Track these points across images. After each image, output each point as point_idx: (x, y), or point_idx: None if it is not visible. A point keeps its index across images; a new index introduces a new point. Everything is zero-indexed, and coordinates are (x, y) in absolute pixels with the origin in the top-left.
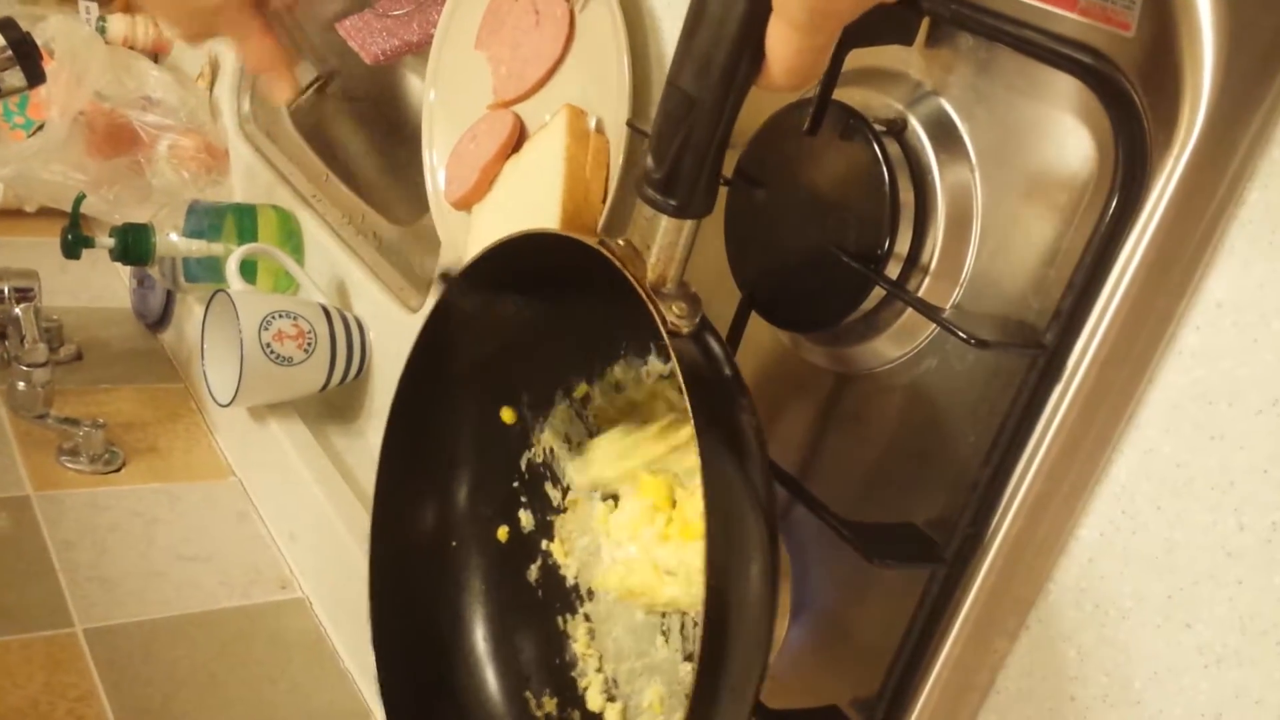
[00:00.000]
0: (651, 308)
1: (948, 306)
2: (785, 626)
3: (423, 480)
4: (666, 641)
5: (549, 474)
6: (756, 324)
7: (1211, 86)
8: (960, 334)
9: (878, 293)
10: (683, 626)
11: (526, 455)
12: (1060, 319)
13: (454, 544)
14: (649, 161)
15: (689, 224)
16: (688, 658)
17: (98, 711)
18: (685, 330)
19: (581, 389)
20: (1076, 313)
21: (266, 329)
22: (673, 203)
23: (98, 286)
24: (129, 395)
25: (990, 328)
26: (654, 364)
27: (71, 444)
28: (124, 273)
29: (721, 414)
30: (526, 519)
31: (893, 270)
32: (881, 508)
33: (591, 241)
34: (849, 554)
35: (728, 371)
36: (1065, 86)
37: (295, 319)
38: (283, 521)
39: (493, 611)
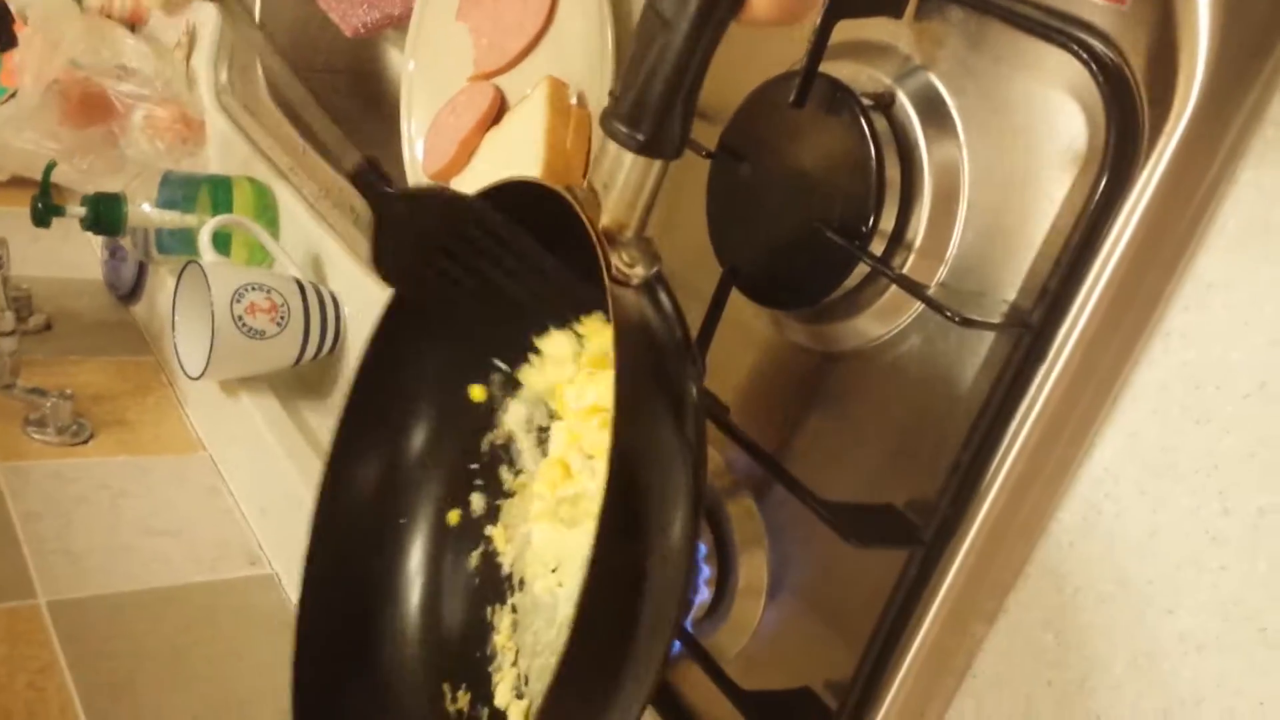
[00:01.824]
0: (598, 249)
1: (932, 284)
2: (761, 607)
3: (378, 450)
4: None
5: (506, 457)
6: (738, 302)
7: (1206, 63)
8: (945, 312)
9: (861, 270)
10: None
11: (489, 436)
12: (1046, 298)
13: (402, 520)
14: (616, 89)
15: (655, 166)
16: None
17: (58, 684)
18: (633, 280)
19: (538, 336)
20: (1063, 292)
21: (239, 301)
22: (638, 136)
23: (69, 257)
24: (99, 367)
25: (975, 306)
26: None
27: (39, 415)
28: (96, 243)
29: (658, 369)
30: (478, 503)
31: (877, 247)
32: (862, 488)
33: (555, 185)
34: (827, 535)
35: (677, 333)
36: (1057, 62)
37: (268, 292)
38: (253, 497)
39: (429, 594)
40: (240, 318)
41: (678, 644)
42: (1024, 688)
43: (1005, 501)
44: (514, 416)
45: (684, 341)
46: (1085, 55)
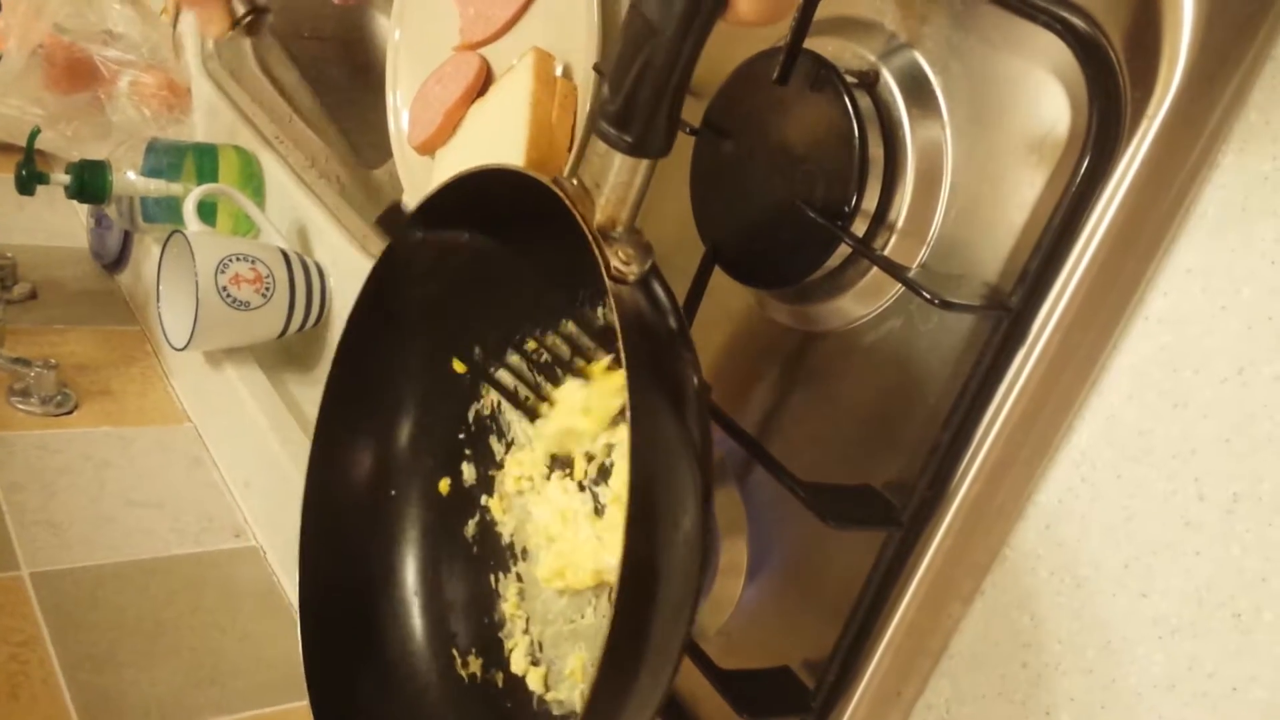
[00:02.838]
0: (595, 250)
1: (914, 266)
2: (740, 586)
3: (365, 424)
4: (595, 610)
5: (495, 427)
6: (722, 282)
7: (1190, 45)
8: (924, 294)
9: (843, 250)
10: (611, 594)
11: (475, 407)
12: (1026, 281)
13: (393, 492)
14: (605, 91)
15: (644, 164)
16: None
17: (41, 656)
18: (630, 277)
19: (533, 343)
20: (1043, 275)
21: (223, 272)
22: (627, 138)
23: (55, 225)
24: (83, 337)
25: (956, 288)
26: (609, 318)
27: (22, 385)
28: (82, 212)
29: (660, 364)
30: (469, 472)
31: (859, 227)
32: (842, 469)
33: (544, 179)
34: (807, 515)
35: (672, 323)
36: (1041, 42)
37: (253, 262)
38: (238, 469)
39: (426, 564)
40: (225, 288)
41: None
42: (999, 669)
43: (983, 484)
44: (499, 384)
45: (679, 329)
46: (1069, 35)
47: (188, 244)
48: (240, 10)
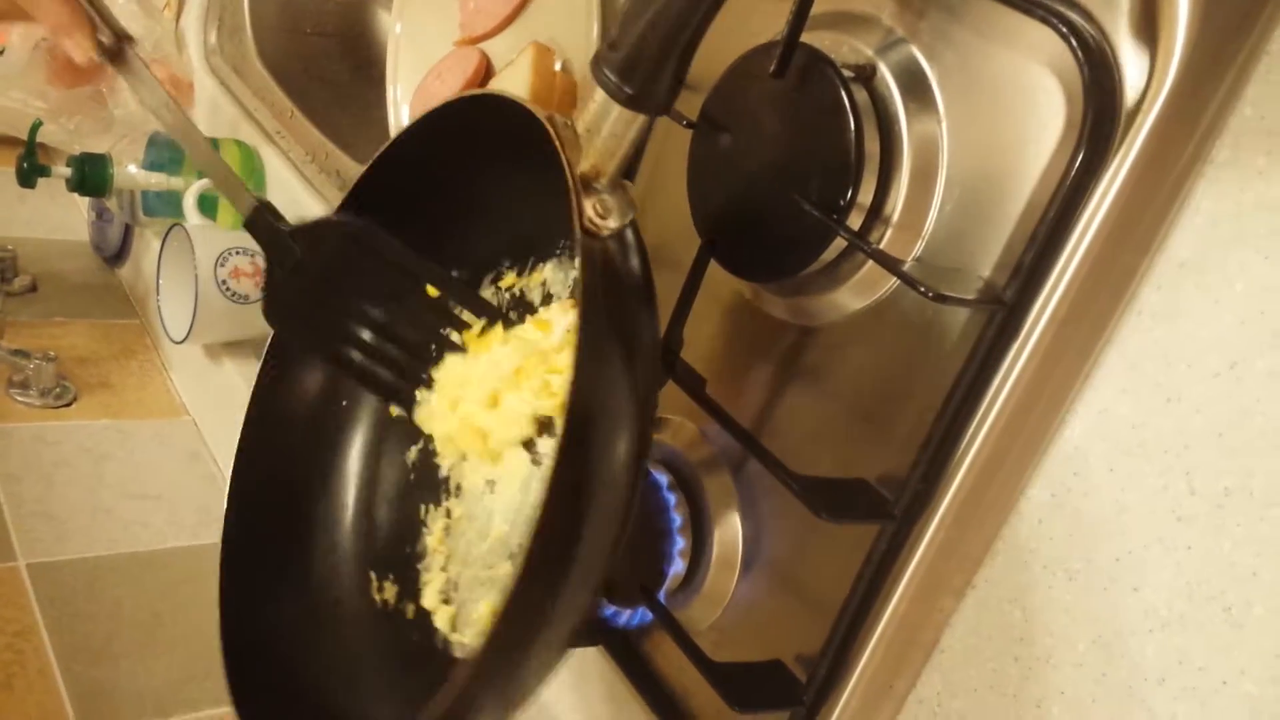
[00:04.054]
0: (573, 196)
1: (909, 259)
2: (735, 579)
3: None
4: (512, 564)
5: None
6: (717, 274)
7: (1186, 39)
8: (919, 288)
9: (839, 243)
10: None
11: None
12: (1020, 275)
13: (344, 402)
14: (611, 39)
15: (640, 120)
16: None
17: (36, 647)
18: (604, 232)
19: (510, 278)
20: (1037, 269)
21: (223, 265)
22: (628, 90)
23: (56, 218)
24: (83, 329)
25: (950, 282)
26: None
27: (21, 377)
28: (83, 205)
29: (617, 314)
30: (422, 396)
31: (855, 221)
32: (837, 462)
33: (539, 113)
34: (800, 509)
35: (640, 281)
36: (1037, 36)
37: (253, 256)
38: None
39: (364, 484)
40: (224, 282)
41: (650, 615)
42: (991, 662)
43: (976, 478)
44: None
45: (645, 290)
46: (1065, 30)
47: (188, 237)
48: (107, 40)
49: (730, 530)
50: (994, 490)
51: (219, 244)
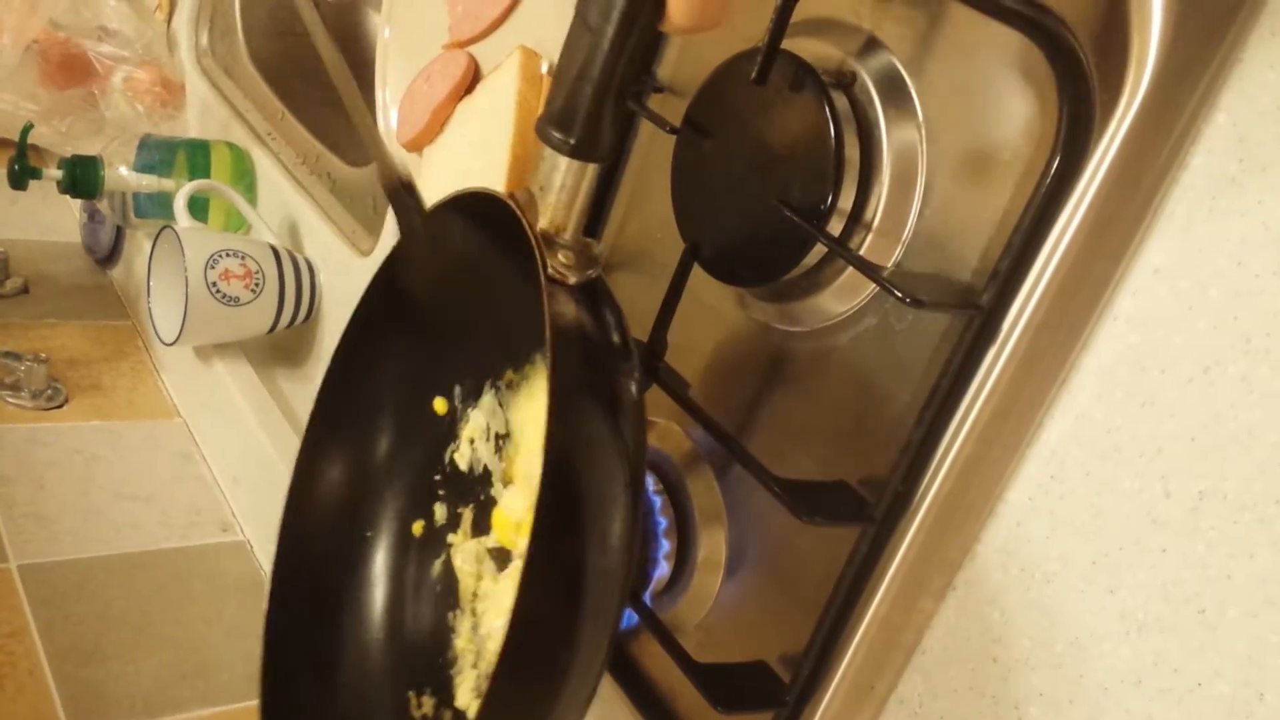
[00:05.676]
0: (535, 248)
1: (889, 265)
2: (719, 581)
3: (344, 454)
4: None
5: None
6: (701, 279)
7: (1159, 46)
8: (897, 293)
9: (820, 248)
10: None
11: (451, 448)
12: (997, 280)
13: (368, 534)
14: (549, 97)
15: (589, 170)
16: None
17: (28, 648)
18: (571, 279)
19: (508, 376)
20: (1014, 274)
21: (213, 267)
22: (570, 141)
23: (48, 220)
24: (75, 331)
25: (929, 287)
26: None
27: (13, 378)
28: (75, 206)
29: (592, 369)
30: (440, 513)
31: (835, 226)
32: (818, 465)
33: (499, 193)
34: (782, 511)
35: (614, 335)
36: (1013, 43)
37: (243, 258)
38: (226, 464)
39: (393, 602)
40: (214, 284)
41: (635, 617)
42: (970, 663)
43: (954, 481)
44: (473, 426)
45: (622, 343)
46: (1039, 37)
47: (178, 239)
48: None
49: (715, 533)
50: (973, 493)
51: (209, 246)
